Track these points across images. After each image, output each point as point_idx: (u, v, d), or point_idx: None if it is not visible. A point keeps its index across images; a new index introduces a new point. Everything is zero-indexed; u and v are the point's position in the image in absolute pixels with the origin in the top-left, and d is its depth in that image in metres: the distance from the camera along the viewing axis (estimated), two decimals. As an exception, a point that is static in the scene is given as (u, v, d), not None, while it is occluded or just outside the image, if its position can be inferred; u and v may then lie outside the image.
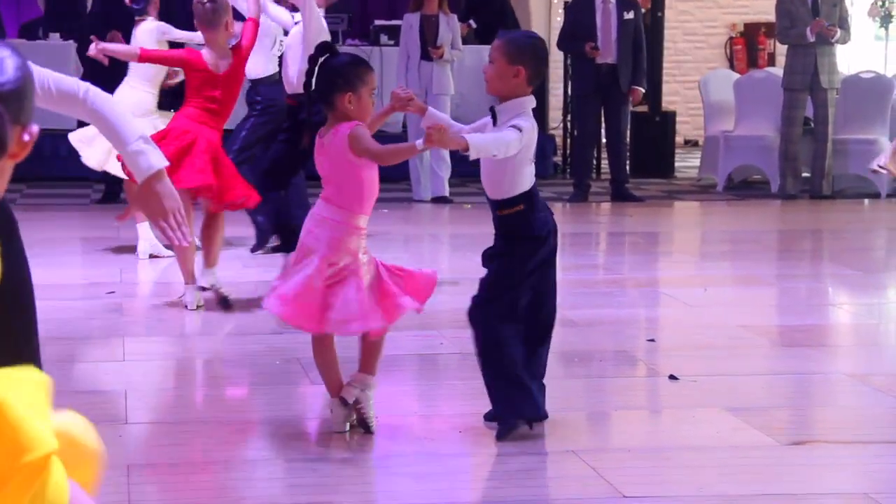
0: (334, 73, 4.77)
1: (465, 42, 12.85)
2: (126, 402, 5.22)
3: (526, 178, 4.83)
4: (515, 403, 4.83)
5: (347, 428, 4.88)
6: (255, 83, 8.59)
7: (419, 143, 4.61)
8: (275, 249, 8.57)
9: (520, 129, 4.67)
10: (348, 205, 4.77)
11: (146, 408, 5.27)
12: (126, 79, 8.58)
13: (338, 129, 4.75)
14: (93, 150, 8.54)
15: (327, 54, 4.81)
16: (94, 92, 3.22)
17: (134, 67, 8.53)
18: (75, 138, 8.69)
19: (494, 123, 4.78)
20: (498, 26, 13.89)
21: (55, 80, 3.18)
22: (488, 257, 4.92)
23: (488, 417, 4.94)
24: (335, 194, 4.80)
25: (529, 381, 4.84)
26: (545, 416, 4.86)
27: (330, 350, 4.91)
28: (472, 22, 14.44)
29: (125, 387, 5.43)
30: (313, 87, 4.83)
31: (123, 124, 3.25)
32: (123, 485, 4.27)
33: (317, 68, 4.81)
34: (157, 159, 3.31)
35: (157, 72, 8.50)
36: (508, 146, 4.67)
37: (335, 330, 4.80)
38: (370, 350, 4.91)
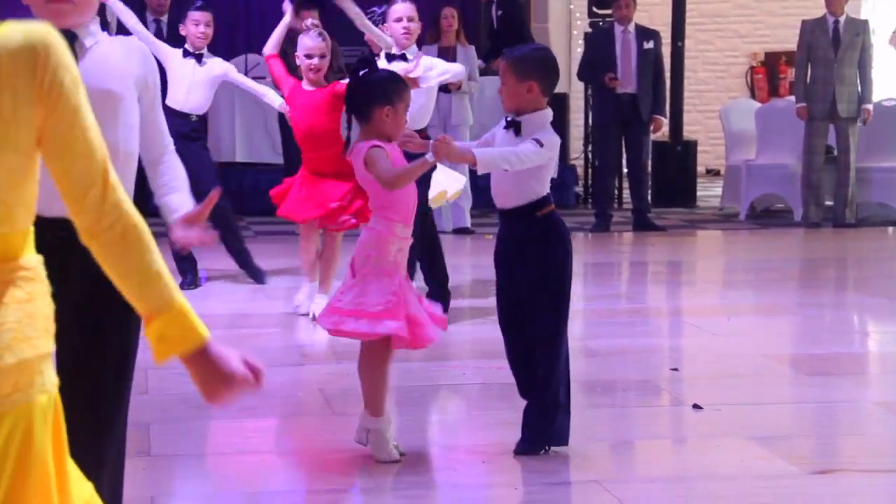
0: (375, 85, 4.81)
1: (484, 73, 12.88)
2: (150, 435, 5.22)
3: (548, 183, 4.90)
4: (558, 429, 4.92)
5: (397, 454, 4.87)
6: None
7: (428, 156, 4.65)
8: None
9: (541, 144, 4.73)
10: (383, 213, 4.80)
11: (170, 440, 5.26)
12: None
13: (356, 149, 4.78)
14: None
15: (367, 69, 4.85)
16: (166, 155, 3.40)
17: None
18: None
19: (517, 135, 4.82)
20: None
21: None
22: (512, 263, 4.94)
23: (519, 451, 4.94)
24: (372, 205, 4.87)
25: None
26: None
27: (378, 364, 4.84)
28: None
29: (149, 419, 5.43)
30: (350, 98, 4.88)
31: None
32: (147, 517, 4.27)
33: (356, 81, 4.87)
34: None
35: None
36: (523, 159, 4.70)
37: (366, 330, 4.73)
38: (364, 385, 4.86)
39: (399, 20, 7.55)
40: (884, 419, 5.64)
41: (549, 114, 4.90)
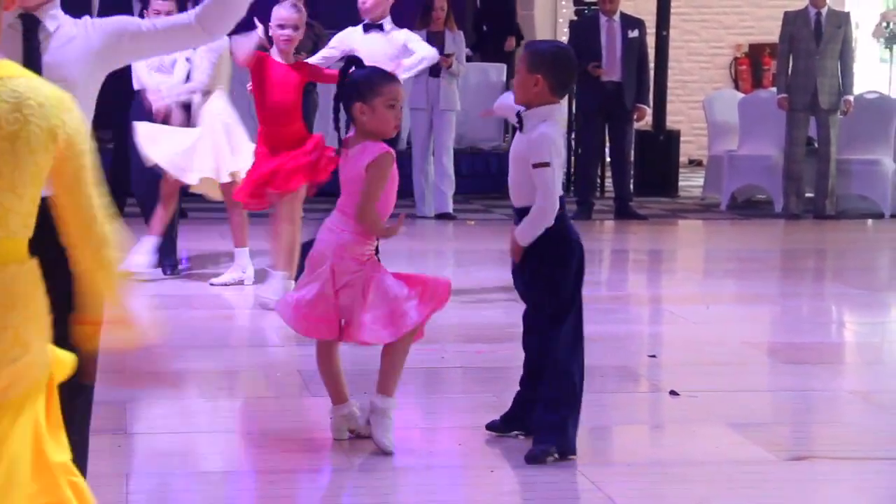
0: (350, 84, 4.78)
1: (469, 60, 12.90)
2: (126, 413, 5.21)
3: (558, 182, 4.78)
4: (567, 437, 4.76)
5: (346, 436, 4.89)
6: None
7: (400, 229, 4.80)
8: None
9: (547, 163, 4.66)
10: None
11: (146, 418, 5.26)
12: None
13: (366, 146, 4.73)
14: (158, 147, 8.14)
15: (353, 67, 4.82)
16: (195, 11, 3.45)
17: None
18: (142, 132, 8.21)
19: (521, 130, 4.75)
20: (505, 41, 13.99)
21: (161, 22, 3.50)
22: (524, 273, 4.85)
23: (491, 427, 4.97)
24: (348, 203, 4.76)
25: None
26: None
27: (333, 359, 4.92)
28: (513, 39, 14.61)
29: (125, 397, 5.43)
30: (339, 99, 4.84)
31: None
32: (122, 493, 4.27)
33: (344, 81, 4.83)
34: None
35: None
36: (547, 195, 4.67)
37: (345, 338, 4.82)
38: (383, 365, 4.88)
39: None
40: (859, 408, 5.67)
41: (554, 108, 4.78)
